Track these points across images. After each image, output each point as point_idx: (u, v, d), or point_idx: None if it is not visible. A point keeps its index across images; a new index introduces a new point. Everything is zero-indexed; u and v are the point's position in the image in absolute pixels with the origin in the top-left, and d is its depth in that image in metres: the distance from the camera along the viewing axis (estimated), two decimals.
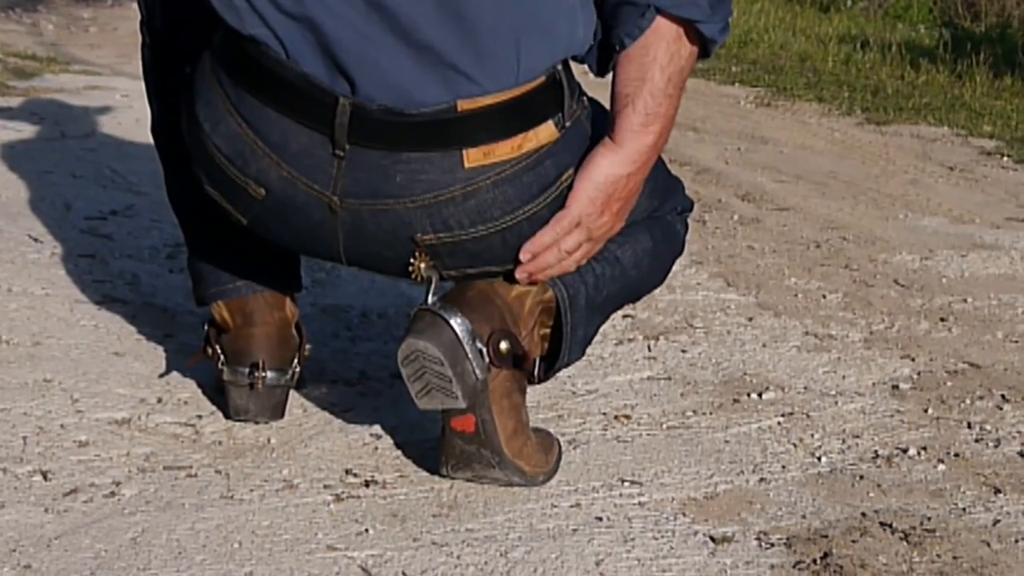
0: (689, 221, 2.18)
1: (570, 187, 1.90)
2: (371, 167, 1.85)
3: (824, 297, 3.09)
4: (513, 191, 1.87)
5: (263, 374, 2.12)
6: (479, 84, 1.83)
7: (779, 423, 2.31)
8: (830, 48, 7.63)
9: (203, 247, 2.20)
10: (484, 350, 1.89)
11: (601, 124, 1.93)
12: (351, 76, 1.83)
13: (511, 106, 1.84)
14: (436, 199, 1.85)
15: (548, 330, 2.01)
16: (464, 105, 1.82)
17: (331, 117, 1.84)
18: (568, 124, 1.90)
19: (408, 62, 1.82)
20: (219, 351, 2.16)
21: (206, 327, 2.21)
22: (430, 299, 1.89)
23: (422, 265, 1.90)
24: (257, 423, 2.17)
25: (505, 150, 1.85)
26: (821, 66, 7.22)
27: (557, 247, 1.91)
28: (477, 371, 1.88)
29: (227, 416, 2.19)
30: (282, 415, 2.18)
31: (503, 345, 1.90)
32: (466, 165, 1.84)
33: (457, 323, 1.87)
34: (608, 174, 1.89)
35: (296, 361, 2.17)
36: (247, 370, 2.13)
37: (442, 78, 1.82)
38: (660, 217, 2.10)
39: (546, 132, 1.88)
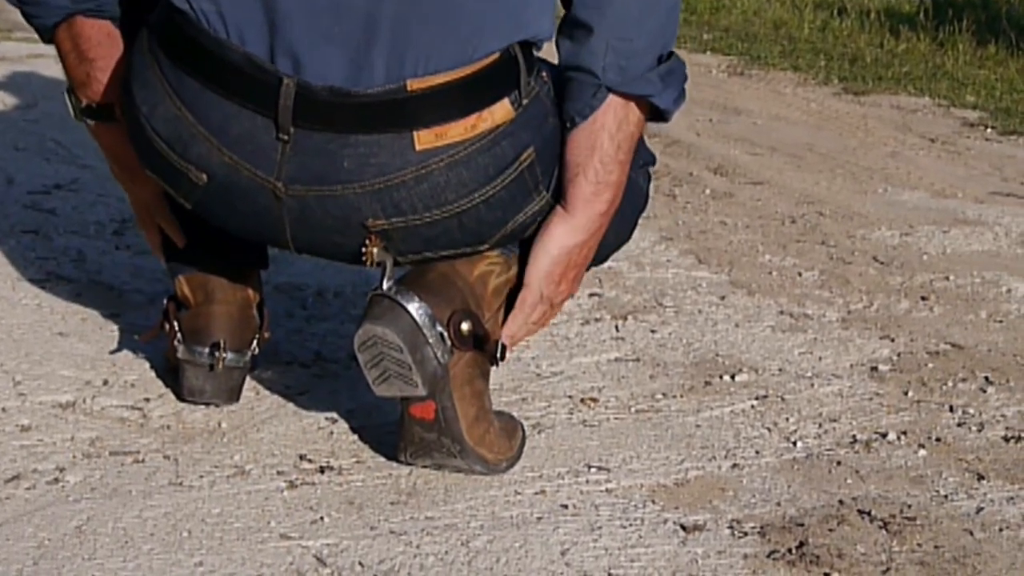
0: (653, 186, 2.23)
1: (529, 168, 1.87)
2: (317, 151, 1.82)
3: (800, 275, 3.07)
4: (468, 174, 1.84)
5: (224, 355, 2.10)
6: (432, 63, 1.79)
7: (753, 406, 2.29)
8: (806, 14, 7.60)
9: None
10: (445, 333, 1.87)
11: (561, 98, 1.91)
12: (296, 53, 1.79)
13: (463, 85, 1.82)
14: (387, 183, 1.82)
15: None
16: (414, 84, 1.80)
17: (274, 99, 1.81)
18: (525, 102, 1.87)
19: (359, 37, 1.78)
20: (176, 328, 2.13)
21: (165, 301, 2.19)
22: (386, 284, 1.87)
23: (375, 250, 1.87)
24: (209, 405, 2.15)
25: (458, 131, 1.82)
26: (797, 33, 7.20)
27: (527, 325, 1.98)
28: (439, 356, 1.86)
29: (178, 398, 2.17)
30: (238, 398, 2.16)
31: (464, 326, 1.88)
32: (417, 147, 1.81)
33: (415, 308, 1.85)
34: (562, 245, 1.93)
35: (256, 343, 2.15)
36: (207, 350, 2.11)
37: (393, 55, 1.79)
38: None
39: (501, 111, 1.85)
